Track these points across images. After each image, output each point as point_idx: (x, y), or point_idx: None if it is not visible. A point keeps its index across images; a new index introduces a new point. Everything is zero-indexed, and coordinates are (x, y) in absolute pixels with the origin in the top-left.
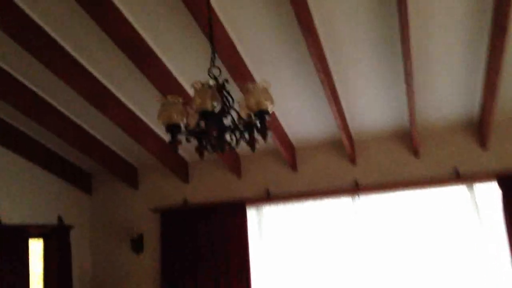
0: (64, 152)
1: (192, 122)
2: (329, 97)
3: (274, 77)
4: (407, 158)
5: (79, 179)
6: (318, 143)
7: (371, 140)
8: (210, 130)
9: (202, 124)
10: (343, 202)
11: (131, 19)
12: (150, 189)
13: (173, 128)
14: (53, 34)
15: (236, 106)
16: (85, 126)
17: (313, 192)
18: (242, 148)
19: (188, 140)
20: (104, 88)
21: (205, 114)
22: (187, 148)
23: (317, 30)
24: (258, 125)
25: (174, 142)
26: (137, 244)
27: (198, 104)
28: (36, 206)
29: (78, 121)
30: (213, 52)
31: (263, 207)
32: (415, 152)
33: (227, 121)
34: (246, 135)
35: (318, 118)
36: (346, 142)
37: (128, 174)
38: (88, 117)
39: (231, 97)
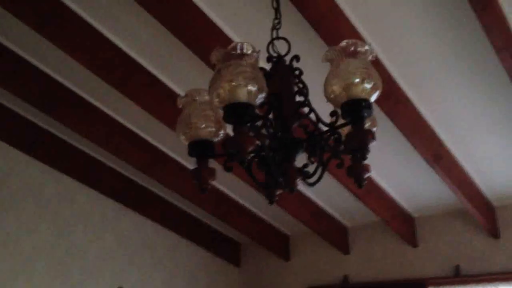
0: (207, 219)
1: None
2: None
3: (441, 98)
4: None
5: (226, 249)
6: None
7: None
8: (242, 143)
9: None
10: None
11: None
12: (304, 261)
13: (200, 148)
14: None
15: (318, 103)
16: (226, 191)
17: None
18: (414, 206)
19: (228, 169)
20: None
21: (233, 111)
22: (344, 209)
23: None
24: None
25: (202, 171)
26: None
27: (222, 92)
28: (170, 279)
29: (219, 186)
30: (277, 8)
31: None
32: None
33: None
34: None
35: None
36: None
37: (278, 244)
38: (229, 182)
39: (305, 87)
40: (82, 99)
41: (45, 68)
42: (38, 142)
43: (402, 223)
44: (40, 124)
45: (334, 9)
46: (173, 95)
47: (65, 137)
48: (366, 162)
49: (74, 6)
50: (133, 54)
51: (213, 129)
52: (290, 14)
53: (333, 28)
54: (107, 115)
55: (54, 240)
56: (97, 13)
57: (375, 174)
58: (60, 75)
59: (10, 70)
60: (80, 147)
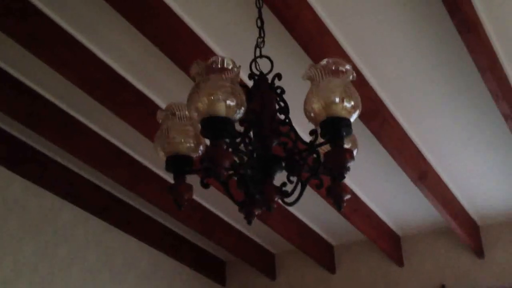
0: (193, 237)
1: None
2: None
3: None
4: None
5: (211, 267)
6: None
7: None
8: (218, 157)
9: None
10: None
11: None
12: (290, 280)
13: (178, 163)
14: None
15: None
16: (211, 208)
17: None
18: (400, 225)
19: (205, 185)
20: None
21: (210, 125)
22: (330, 228)
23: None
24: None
25: (179, 186)
26: None
27: (200, 106)
28: None
29: (204, 203)
30: (261, 27)
31: None
32: None
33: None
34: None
35: (507, 184)
36: None
37: (264, 262)
38: (214, 199)
39: (286, 105)
40: (67, 114)
41: (30, 83)
42: (21, 158)
43: (388, 242)
44: (23, 139)
45: (322, 30)
46: None
47: (48, 153)
48: (352, 180)
49: (61, 22)
50: (120, 70)
51: (192, 144)
52: (275, 32)
53: (321, 49)
54: (92, 131)
55: (37, 259)
56: (84, 29)
57: (361, 192)
58: (45, 90)
59: None
60: (64, 163)
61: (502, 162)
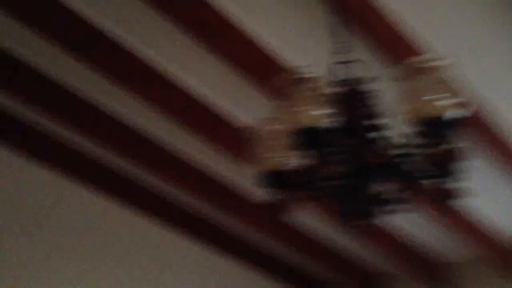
0: (288, 256)
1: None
2: None
3: None
4: None
5: None
6: None
7: None
8: (318, 170)
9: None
10: None
11: None
12: None
13: (276, 179)
14: None
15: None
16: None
17: None
18: None
19: (315, 199)
20: None
21: (307, 137)
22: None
23: None
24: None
25: (279, 204)
26: None
27: (294, 119)
28: None
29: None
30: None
31: None
32: None
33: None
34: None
35: None
36: None
37: (364, 284)
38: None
39: (381, 109)
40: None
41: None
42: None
43: None
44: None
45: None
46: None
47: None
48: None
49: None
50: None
51: (289, 158)
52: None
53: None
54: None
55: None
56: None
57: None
58: None
59: None
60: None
61: None
